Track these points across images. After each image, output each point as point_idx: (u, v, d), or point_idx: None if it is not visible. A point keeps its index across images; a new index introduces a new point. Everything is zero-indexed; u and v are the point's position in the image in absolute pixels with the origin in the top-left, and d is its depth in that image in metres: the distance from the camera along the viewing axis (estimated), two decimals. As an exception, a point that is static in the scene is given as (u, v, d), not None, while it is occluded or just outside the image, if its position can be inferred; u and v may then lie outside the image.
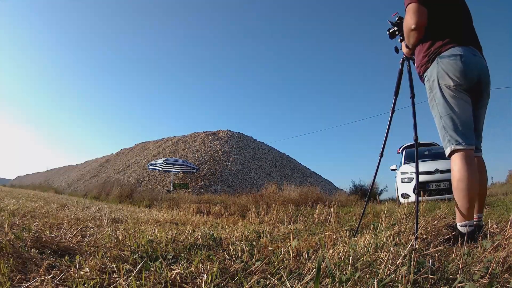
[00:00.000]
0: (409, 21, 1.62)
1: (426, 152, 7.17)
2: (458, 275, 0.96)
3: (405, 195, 6.14)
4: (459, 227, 1.54)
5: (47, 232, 1.59)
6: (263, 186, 8.87)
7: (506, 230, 1.51)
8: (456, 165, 1.54)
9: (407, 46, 1.80)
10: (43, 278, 0.97)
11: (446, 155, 1.62)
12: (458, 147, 1.55)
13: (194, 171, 11.60)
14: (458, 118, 1.57)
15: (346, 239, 1.69)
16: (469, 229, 1.50)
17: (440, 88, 1.62)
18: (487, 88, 1.68)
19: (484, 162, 1.76)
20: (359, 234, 1.80)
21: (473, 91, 1.63)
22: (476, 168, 1.55)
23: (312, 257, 1.28)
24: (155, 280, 0.98)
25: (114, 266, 1.10)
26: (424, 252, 1.25)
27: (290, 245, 1.40)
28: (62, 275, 0.99)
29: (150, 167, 11.75)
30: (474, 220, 1.62)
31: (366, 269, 1.04)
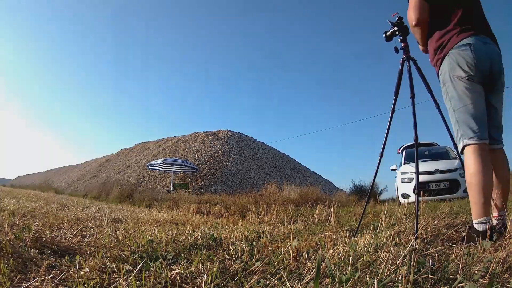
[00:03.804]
0: (411, 17, 1.61)
1: (426, 152, 7.18)
2: (458, 275, 0.96)
3: (405, 195, 6.14)
4: (475, 225, 1.48)
5: (47, 232, 1.59)
6: (263, 186, 8.87)
7: (506, 230, 1.51)
8: (469, 159, 1.51)
9: (418, 43, 1.80)
10: (43, 278, 0.97)
11: (459, 150, 1.59)
12: (470, 141, 1.52)
13: (194, 171, 11.60)
14: (471, 112, 1.53)
15: (346, 239, 1.69)
16: (485, 227, 1.44)
17: (452, 81, 1.58)
18: (501, 76, 1.61)
19: (506, 155, 1.67)
20: (359, 234, 1.80)
21: (486, 81, 1.58)
22: (490, 163, 1.51)
23: (312, 257, 1.28)
24: (155, 280, 0.98)
25: (114, 266, 1.10)
26: (424, 252, 1.25)
27: (290, 245, 1.40)
28: (62, 275, 0.99)
29: (150, 167, 11.75)
30: (494, 217, 1.56)
31: (366, 269, 1.04)
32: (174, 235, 1.80)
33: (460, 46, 1.56)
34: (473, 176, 1.48)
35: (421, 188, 5.75)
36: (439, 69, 1.69)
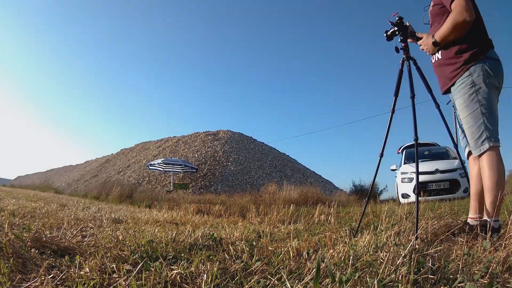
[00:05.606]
0: (464, 14, 1.64)
1: (426, 152, 7.18)
2: (458, 275, 0.96)
3: (405, 195, 6.15)
4: (493, 223, 1.59)
5: (47, 232, 1.59)
6: (263, 186, 8.87)
7: (506, 230, 1.51)
8: (497, 160, 1.63)
9: (438, 43, 1.78)
10: (43, 278, 0.97)
11: (482, 150, 1.65)
12: (496, 144, 1.64)
13: (194, 171, 11.61)
14: (496, 119, 1.68)
15: (346, 239, 1.69)
16: (497, 224, 1.61)
17: (487, 86, 1.67)
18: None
19: None
20: (359, 234, 1.80)
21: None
22: None
23: (312, 257, 1.28)
24: (155, 280, 0.98)
25: (114, 266, 1.10)
26: (424, 252, 1.25)
27: (290, 245, 1.40)
28: (62, 275, 0.99)
29: (150, 167, 11.76)
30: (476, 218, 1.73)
31: (366, 269, 1.04)
32: (174, 235, 1.80)
33: (493, 59, 1.69)
34: (500, 175, 1.60)
35: (421, 188, 5.75)
36: (466, 68, 1.72)
